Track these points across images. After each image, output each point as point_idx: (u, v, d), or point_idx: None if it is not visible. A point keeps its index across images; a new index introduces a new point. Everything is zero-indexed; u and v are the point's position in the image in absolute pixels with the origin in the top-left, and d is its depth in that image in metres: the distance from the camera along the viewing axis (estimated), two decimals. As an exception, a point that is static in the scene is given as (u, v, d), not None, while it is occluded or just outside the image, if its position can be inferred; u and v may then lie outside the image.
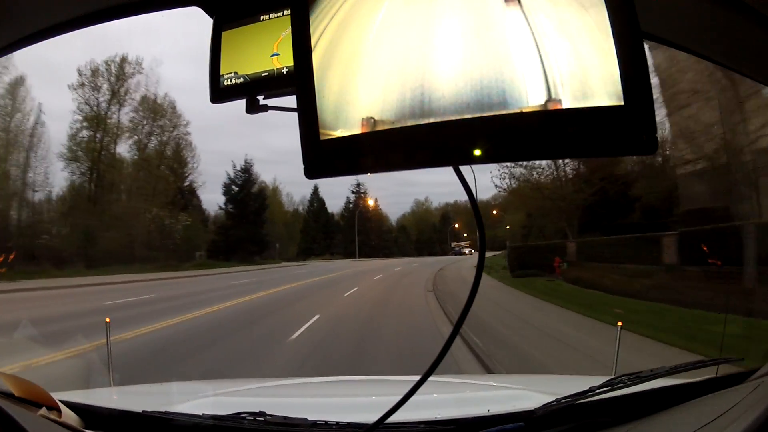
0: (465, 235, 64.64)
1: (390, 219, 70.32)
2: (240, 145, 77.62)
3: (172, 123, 39.18)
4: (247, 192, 45.59)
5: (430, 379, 0.77)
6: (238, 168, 46.30)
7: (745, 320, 7.68)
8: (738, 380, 1.13)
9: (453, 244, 66.39)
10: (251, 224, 43.56)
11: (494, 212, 56.17)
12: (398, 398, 0.80)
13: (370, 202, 64.22)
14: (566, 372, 5.59)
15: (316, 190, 62.67)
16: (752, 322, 7.56)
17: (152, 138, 37.79)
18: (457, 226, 68.14)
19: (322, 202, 63.38)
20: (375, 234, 63.21)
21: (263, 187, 48.08)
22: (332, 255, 57.96)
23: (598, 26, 0.56)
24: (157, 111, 37.60)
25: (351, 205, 64.91)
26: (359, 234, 59.36)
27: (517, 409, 1.19)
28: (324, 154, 0.67)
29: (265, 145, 74.42)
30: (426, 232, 69.66)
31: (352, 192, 65.33)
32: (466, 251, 60.45)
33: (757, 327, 7.26)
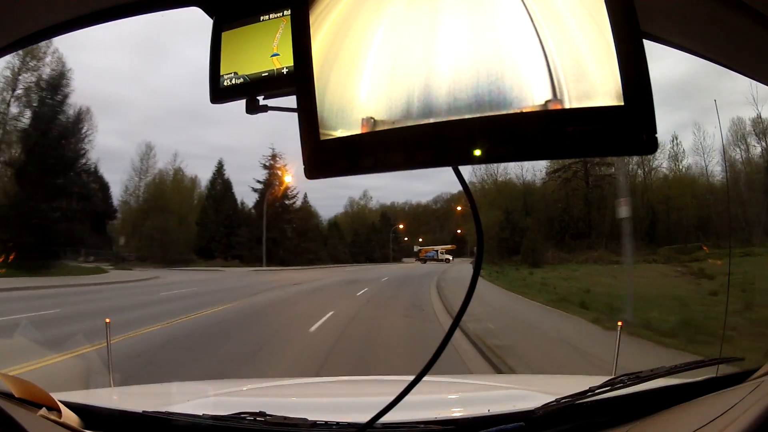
0: (460, 239, 50.28)
1: (320, 216, 54.16)
2: (177, 139, 70.98)
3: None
4: (45, 130, 22.95)
5: (431, 379, 0.78)
6: (43, 83, 23.84)
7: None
8: (738, 380, 1.12)
9: (417, 248, 53.62)
10: (38, 189, 21.71)
11: (458, 208, 47.51)
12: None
13: (288, 179, 42.79)
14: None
15: (220, 167, 43.71)
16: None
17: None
18: (401, 226, 57.98)
19: (227, 185, 43.83)
20: (298, 232, 44.56)
21: (81, 114, 24.74)
22: (228, 259, 38.74)
23: (598, 26, 0.56)
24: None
25: (261, 185, 43.97)
26: (274, 231, 40.76)
27: (517, 409, 1.19)
28: (324, 154, 0.67)
29: (202, 140, 66.12)
30: (363, 233, 55.28)
31: (264, 166, 44.80)
32: (448, 257, 47.86)
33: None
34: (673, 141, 31.88)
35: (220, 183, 44.02)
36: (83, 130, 26.52)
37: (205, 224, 41.08)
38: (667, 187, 32.82)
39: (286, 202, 45.67)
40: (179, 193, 42.43)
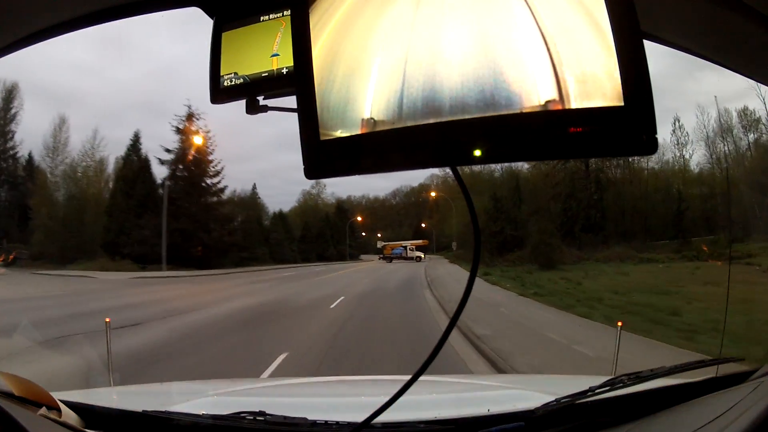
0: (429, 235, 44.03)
1: (268, 209, 44.16)
2: (131, 134, 70.59)
3: None
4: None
5: (431, 378, 0.78)
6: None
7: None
8: (738, 380, 1.13)
9: (381, 244, 46.05)
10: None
11: (432, 194, 43.37)
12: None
13: (198, 140, 30.23)
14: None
15: (136, 140, 31.24)
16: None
17: None
18: (359, 219, 51.33)
19: (145, 163, 31.09)
20: (222, 222, 31.77)
21: (13, 93, 22.14)
22: (115, 259, 27.14)
23: (598, 26, 0.56)
24: None
25: (170, 153, 30.99)
26: (186, 221, 28.99)
27: (517, 409, 1.19)
28: (324, 155, 0.67)
29: (160, 136, 61.29)
30: (315, 227, 45.74)
31: (177, 130, 31.11)
32: (419, 254, 41.69)
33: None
34: (674, 123, 30.24)
35: (135, 161, 31.06)
36: (12, 111, 24.02)
37: (114, 212, 29.35)
38: (672, 178, 30.84)
39: (208, 181, 32.06)
40: (103, 180, 32.62)
